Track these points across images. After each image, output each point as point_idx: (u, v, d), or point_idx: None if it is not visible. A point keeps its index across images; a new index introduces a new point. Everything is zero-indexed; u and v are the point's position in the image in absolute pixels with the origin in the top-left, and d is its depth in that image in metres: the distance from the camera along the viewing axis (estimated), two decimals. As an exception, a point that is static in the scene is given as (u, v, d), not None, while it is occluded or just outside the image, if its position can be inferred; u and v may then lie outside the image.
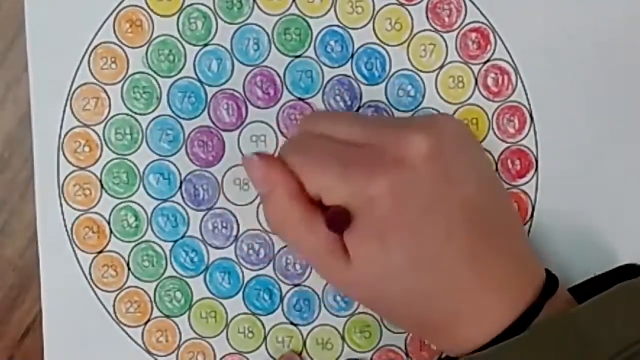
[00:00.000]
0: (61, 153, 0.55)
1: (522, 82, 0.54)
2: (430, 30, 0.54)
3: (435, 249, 0.47)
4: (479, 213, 0.48)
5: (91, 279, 0.55)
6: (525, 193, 0.55)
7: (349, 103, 0.55)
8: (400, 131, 0.48)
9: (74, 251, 0.55)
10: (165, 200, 0.55)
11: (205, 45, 0.55)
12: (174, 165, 0.55)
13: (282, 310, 0.56)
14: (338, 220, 0.47)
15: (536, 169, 0.55)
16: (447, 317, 0.48)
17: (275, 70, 0.55)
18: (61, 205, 0.55)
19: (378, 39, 0.54)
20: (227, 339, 0.56)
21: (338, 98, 0.55)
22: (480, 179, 0.49)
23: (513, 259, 0.49)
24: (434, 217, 0.47)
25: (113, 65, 0.55)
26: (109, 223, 0.55)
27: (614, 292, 0.48)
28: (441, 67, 0.54)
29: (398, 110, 0.54)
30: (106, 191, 0.55)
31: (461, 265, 0.47)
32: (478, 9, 0.54)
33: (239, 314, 0.56)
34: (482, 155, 0.53)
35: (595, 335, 0.47)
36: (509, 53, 0.54)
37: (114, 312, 0.55)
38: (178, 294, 0.55)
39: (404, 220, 0.47)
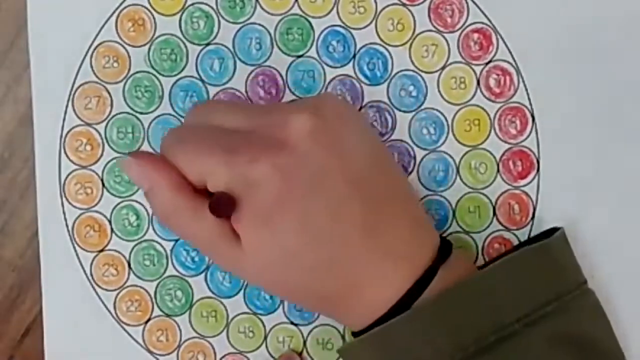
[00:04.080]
0: (62, 152, 0.55)
1: (524, 83, 0.54)
2: (432, 30, 0.54)
3: (325, 225, 0.47)
4: (367, 186, 0.48)
5: (92, 277, 0.55)
6: (527, 194, 0.55)
7: (350, 103, 0.55)
8: (281, 114, 0.48)
9: (74, 250, 0.55)
10: (166, 200, 0.55)
11: (208, 44, 0.55)
12: (176, 164, 0.55)
13: (283, 310, 0.56)
14: (220, 205, 0.47)
15: (537, 170, 0.55)
16: (346, 290, 0.48)
17: (277, 70, 0.55)
18: (62, 203, 0.55)
19: (380, 39, 0.54)
20: (228, 339, 0.56)
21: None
22: (366, 152, 0.49)
23: (406, 227, 0.49)
24: (320, 194, 0.47)
25: (115, 64, 0.55)
26: (110, 222, 0.55)
27: (521, 254, 0.49)
28: (443, 67, 0.55)
29: (400, 110, 0.55)
30: (107, 190, 0.55)
31: (354, 239, 0.47)
32: (480, 9, 0.54)
33: (239, 314, 0.55)
34: (367, 129, 0.52)
35: (504, 296, 0.48)
36: (511, 54, 0.54)
37: (115, 311, 0.55)
38: (179, 293, 0.55)
39: (288, 200, 0.47)
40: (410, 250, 0.48)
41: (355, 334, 0.50)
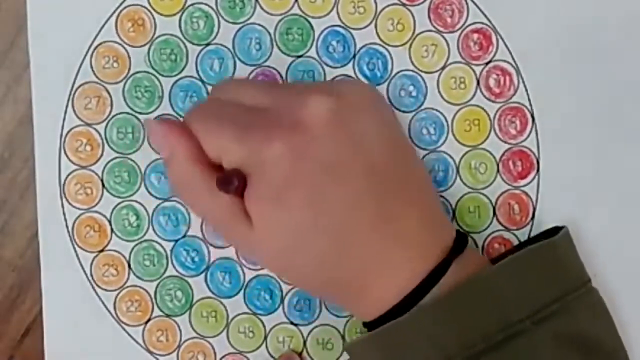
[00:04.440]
0: (62, 152, 0.55)
1: (523, 83, 0.54)
2: (432, 30, 0.54)
3: (335, 211, 0.47)
4: (383, 176, 0.48)
5: (92, 278, 0.55)
6: (527, 194, 0.55)
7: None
8: (300, 94, 0.48)
9: (74, 250, 0.55)
10: (166, 200, 0.55)
11: (207, 44, 0.55)
12: (176, 164, 0.55)
13: (283, 310, 0.56)
14: (229, 181, 0.47)
15: (537, 170, 0.55)
16: (356, 279, 0.48)
17: (277, 70, 0.55)
18: (62, 204, 0.55)
19: (380, 39, 0.54)
20: (228, 339, 0.56)
21: (340, 98, 0.55)
22: (386, 142, 0.49)
23: (421, 219, 0.49)
24: (332, 179, 0.47)
25: (115, 64, 0.55)
26: (110, 222, 0.55)
27: (527, 253, 0.49)
28: (443, 67, 0.54)
29: (400, 110, 0.55)
30: (107, 190, 0.55)
31: (365, 228, 0.47)
32: (480, 9, 0.54)
33: (239, 314, 0.55)
34: (389, 118, 0.52)
35: (511, 295, 0.48)
36: (511, 54, 0.54)
37: (115, 311, 0.55)
38: (179, 294, 0.55)
39: (301, 180, 0.47)
40: (423, 243, 0.48)
41: (365, 324, 0.50)
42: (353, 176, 0.47)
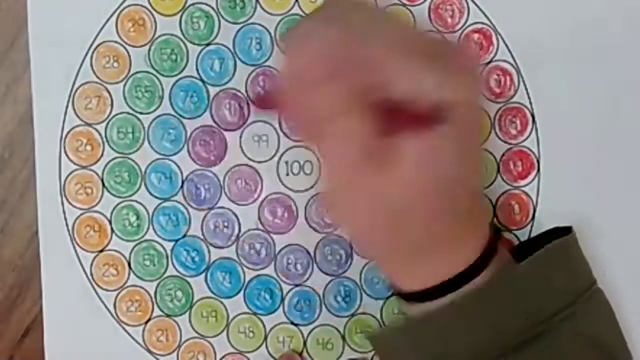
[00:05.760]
0: (63, 152, 0.55)
1: (524, 83, 0.54)
2: (432, 31, 0.54)
3: (465, 174, 0.46)
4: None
5: (92, 278, 0.55)
6: (527, 194, 0.55)
7: None
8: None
9: (75, 250, 0.55)
10: (166, 200, 0.55)
11: (208, 44, 0.55)
12: (176, 164, 0.55)
13: (283, 310, 0.56)
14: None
15: (538, 171, 0.55)
16: (425, 244, 0.46)
17: (277, 70, 0.55)
18: (62, 203, 0.55)
19: (380, 39, 0.54)
20: (228, 339, 0.56)
21: (340, 98, 0.55)
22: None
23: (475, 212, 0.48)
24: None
25: (115, 64, 0.55)
26: (110, 222, 0.55)
27: (551, 249, 0.48)
28: (443, 67, 0.55)
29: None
30: (108, 190, 0.55)
31: (461, 199, 0.46)
32: (480, 10, 0.54)
33: (239, 314, 0.56)
34: None
35: (541, 289, 0.47)
36: (511, 54, 0.54)
37: (115, 311, 0.55)
38: (179, 293, 0.55)
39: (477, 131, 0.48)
40: (477, 230, 0.48)
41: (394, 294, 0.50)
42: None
